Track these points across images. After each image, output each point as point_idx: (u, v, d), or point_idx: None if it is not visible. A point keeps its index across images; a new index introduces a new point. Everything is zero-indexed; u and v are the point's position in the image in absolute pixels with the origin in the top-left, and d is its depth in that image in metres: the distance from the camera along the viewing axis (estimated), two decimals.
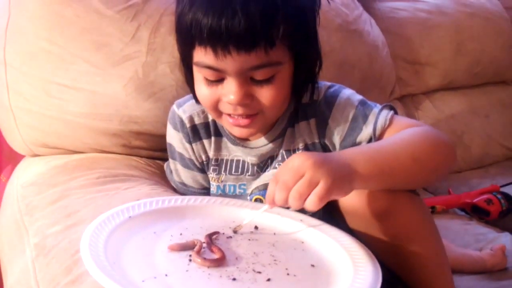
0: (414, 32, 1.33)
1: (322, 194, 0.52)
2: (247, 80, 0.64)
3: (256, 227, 0.63)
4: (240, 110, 0.66)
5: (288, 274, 0.53)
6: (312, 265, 0.56)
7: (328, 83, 0.75)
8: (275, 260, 0.55)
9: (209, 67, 0.64)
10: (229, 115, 0.67)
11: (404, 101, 1.33)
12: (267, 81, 0.64)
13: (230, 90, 0.64)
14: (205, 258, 0.53)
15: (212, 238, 0.58)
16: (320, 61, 0.71)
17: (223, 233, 0.60)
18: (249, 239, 0.59)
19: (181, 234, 0.59)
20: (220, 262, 0.53)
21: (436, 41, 1.34)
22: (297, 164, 0.54)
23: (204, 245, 0.56)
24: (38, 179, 0.80)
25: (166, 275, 0.50)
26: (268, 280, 0.51)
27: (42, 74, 0.85)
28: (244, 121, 0.67)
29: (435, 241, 0.66)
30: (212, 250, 0.55)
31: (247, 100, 0.65)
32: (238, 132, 0.70)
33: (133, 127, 0.88)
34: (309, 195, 0.53)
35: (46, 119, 0.86)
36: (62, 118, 0.86)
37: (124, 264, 0.50)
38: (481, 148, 1.36)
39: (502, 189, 1.14)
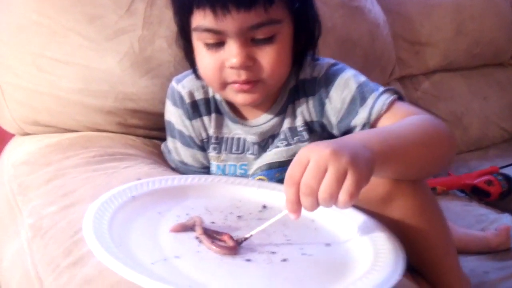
0: (414, 11, 1.31)
1: (354, 190, 0.46)
2: (248, 41, 0.63)
3: (264, 206, 0.61)
4: (243, 75, 0.64)
5: (303, 254, 0.51)
6: (327, 244, 0.53)
7: (332, 61, 0.73)
8: (288, 239, 0.53)
9: (208, 30, 0.63)
10: (234, 83, 0.66)
11: (403, 82, 1.31)
12: (268, 41, 0.64)
13: (231, 53, 0.63)
14: (219, 245, 0.49)
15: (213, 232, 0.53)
16: (319, 24, 0.70)
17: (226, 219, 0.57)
18: (259, 219, 0.57)
19: (187, 214, 0.56)
20: (232, 251, 0.49)
21: (436, 20, 1.32)
22: (316, 159, 0.46)
23: (205, 224, 0.53)
24: (30, 158, 0.76)
25: (176, 257, 0.47)
26: (284, 260, 0.49)
27: (32, 48, 0.81)
28: (248, 85, 0.65)
29: (440, 223, 0.65)
30: (223, 239, 0.51)
31: (250, 62, 0.64)
32: (242, 98, 0.68)
33: (128, 104, 0.84)
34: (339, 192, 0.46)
35: (37, 95, 0.82)
36: (54, 95, 0.82)
37: (131, 246, 0.48)
38: (479, 129, 1.35)
39: (502, 171, 1.13)
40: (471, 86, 1.39)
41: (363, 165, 0.47)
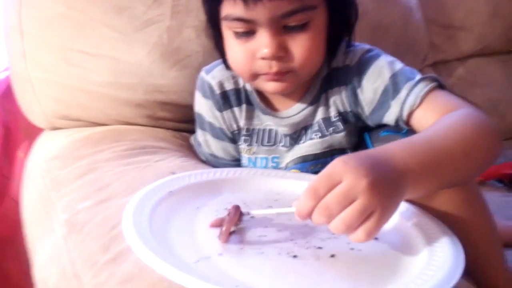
0: None
1: (375, 230, 0.43)
2: (280, 30, 0.60)
3: None
4: (275, 67, 0.62)
5: (351, 248, 0.48)
6: (375, 238, 0.50)
7: (367, 47, 0.70)
8: (333, 233, 0.50)
9: (239, 19, 0.60)
10: (265, 74, 0.63)
11: (437, 68, 1.26)
12: (301, 28, 0.61)
13: (263, 43, 0.60)
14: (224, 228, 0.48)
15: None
16: (356, 9, 0.67)
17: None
18: None
19: (225, 208, 0.54)
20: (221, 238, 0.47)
21: (470, 3, 1.26)
22: (349, 185, 0.42)
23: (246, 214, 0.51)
24: (62, 153, 0.75)
25: (219, 254, 0.45)
26: (332, 256, 0.46)
27: (61, 41, 0.80)
28: (278, 75, 0.63)
29: (486, 217, 0.61)
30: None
31: (282, 53, 0.61)
32: (272, 87, 0.65)
33: (158, 96, 0.83)
34: (358, 226, 0.43)
35: (67, 89, 0.82)
36: (83, 88, 0.81)
37: (173, 244, 0.46)
38: None
39: None
40: (507, 72, 1.33)
41: (393, 206, 0.45)
